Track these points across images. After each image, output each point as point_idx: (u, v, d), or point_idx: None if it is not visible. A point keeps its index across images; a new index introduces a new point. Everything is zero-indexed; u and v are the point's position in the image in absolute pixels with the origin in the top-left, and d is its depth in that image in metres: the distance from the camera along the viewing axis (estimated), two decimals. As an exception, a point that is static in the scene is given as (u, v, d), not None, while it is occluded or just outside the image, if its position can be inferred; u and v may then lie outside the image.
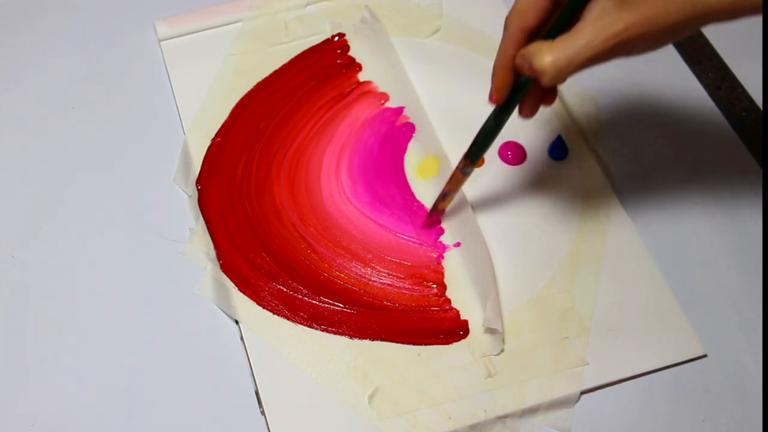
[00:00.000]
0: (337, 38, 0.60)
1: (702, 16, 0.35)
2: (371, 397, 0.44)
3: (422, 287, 0.49)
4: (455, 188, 0.48)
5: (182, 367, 0.46)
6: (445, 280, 0.49)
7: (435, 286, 0.49)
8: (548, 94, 0.42)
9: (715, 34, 0.61)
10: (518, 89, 0.40)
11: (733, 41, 0.60)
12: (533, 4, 0.38)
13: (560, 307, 0.48)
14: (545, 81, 0.37)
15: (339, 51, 0.59)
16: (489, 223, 0.51)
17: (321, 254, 0.50)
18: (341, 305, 0.48)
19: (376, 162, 0.54)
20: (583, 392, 0.46)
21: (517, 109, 0.42)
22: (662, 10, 0.35)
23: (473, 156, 0.45)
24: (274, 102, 0.56)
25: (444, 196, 0.49)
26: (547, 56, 0.36)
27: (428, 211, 0.51)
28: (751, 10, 0.35)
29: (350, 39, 0.60)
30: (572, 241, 0.51)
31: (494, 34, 0.40)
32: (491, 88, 0.41)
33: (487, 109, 0.56)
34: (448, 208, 0.51)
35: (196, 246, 0.50)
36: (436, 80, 0.57)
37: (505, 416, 0.44)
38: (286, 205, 0.52)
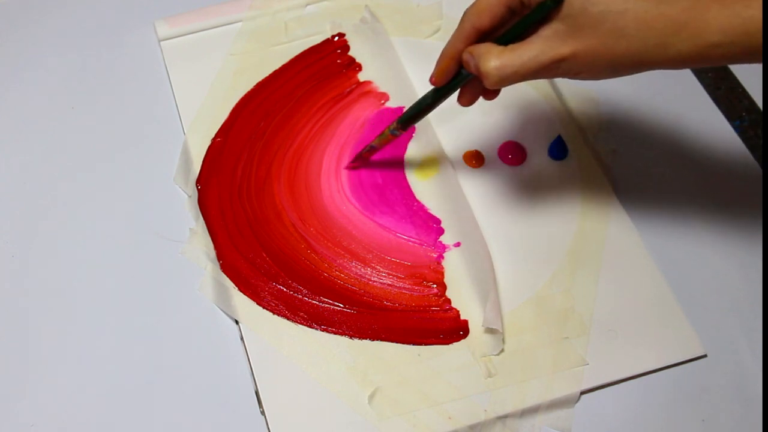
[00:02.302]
0: (337, 38, 0.60)
1: (640, 63, 0.37)
2: (371, 397, 0.44)
3: (422, 287, 0.49)
4: (380, 144, 0.51)
5: (182, 367, 0.46)
6: (445, 280, 0.49)
7: (435, 286, 0.49)
8: (490, 91, 0.44)
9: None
10: (458, 79, 0.43)
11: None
12: (490, 8, 0.40)
13: (560, 307, 0.48)
14: (487, 84, 0.39)
15: (339, 51, 0.59)
16: (489, 223, 0.51)
17: (321, 254, 0.50)
18: (341, 305, 0.48)
19: (377, 162, 0.54)
20: (583, 392, 0.46)
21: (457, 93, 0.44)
22: (607, 48, 0.37)
23: (402, 122, 0.48)
24: (274, 102, 0.56)
25: (371, 148, 0.51)
26: (494, 60, 0.38)
27: (356, 157, 0.53)
28: (685, 65, 0.37)
29: (350, 39, 0.60)
30: (572, 242, 0.51)
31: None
32: (434, 70, 0.43)
33: (487, 110, 0.57)
34: (448, 208, 0.51)
35: (196, 246, 0.50)
36: (436, 80, 0.57)
37: (505, 416, 0.44)
38: (286, 205, 0.52)
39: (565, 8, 0.37)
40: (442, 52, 0.43)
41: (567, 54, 0.37)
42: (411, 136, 0.55)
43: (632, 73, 0.39)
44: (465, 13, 0.41)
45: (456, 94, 0.45)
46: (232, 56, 0.58)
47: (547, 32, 0.38)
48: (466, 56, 0.41)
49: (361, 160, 0.53)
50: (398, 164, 0.54)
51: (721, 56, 0.36)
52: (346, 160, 0.54)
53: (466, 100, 0.44)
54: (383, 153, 0.54)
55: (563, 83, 0.58)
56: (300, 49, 0.59)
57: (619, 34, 0.36)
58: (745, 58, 0.36)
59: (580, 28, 0.37)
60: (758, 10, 0.34)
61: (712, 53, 0.36)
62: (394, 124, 0.48)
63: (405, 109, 0.48)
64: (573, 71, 0.38)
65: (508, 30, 0.40)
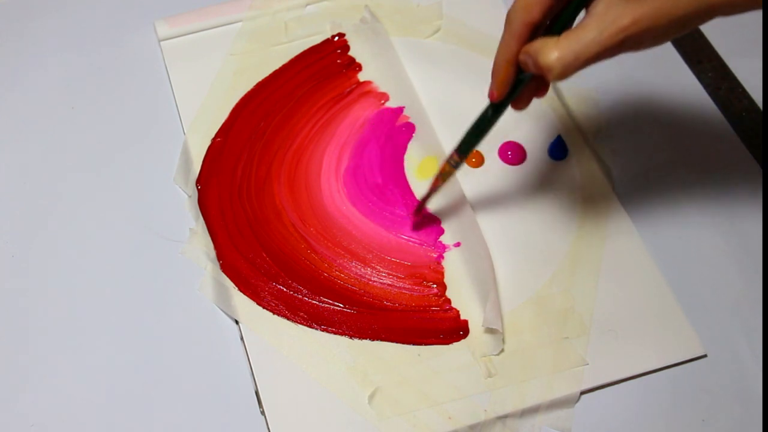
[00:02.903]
0: (337, 38, 0.60)
1: (709, 8, 0.35)
2: (371, 397, 0.44)
3: (422, 287, 0.49)
4: (443, 183, 0.47)
5: (182, 367, 0.46)
6: (445, 280, 0.49)
7: (435, 286, 0.49)
8: (542, 87, 0.42)
9: (715, 33, 0.61)
10: (519, 85, 0.40)
11: (733, 41, 0.60)
12: (539, 1, 0.37)
13: (560, 307, 0.48)
14: (551, 77, 0.37)
15: (339, 51, 0.59)
16: (489, 223, 0.51)
17: (321, 254, 0.50)
18: (341, 305, 0.48)
19: (376, 162, 0.54)
20: (583, 392, 0.46)
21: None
22: (670, 3, 0.35)
23: (465, 149, 0.44)
24: (274, 102, 0.56)
25: (433, 192, 0.48)
26: (553, 53, 0.36)
27: (415, 208, 0.51)
28: (753, 4, 0.35)
29: (350, 39, 0.60)
30: (572, 241, 0.51)
31: (494, 33, 0.40)
32: (492, 84, 0.40)
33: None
34: (448, 208, 0.51)
35: (196, 246, 0.50)
36: (436, 80, 0.57)
37: (505, 416, 0.44)
38: (286, 205, 0.52)
39: None
40: (497, 61, 0.39)
41: (627, 23, 0.35)
42: (411, 136, 0.55)
43: (698, 25, 0.36)
44: (510, 14, 0.38)
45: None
46: (232, 56, 0.58)
47: (599, 8, 0.36)
48: (522, 57, 0.38)
49: (423, 210, 0.50)
50: (398, 164, 0.54)
51: None
52: (346, 161, 0.54)
53: (524, 103, 0.42)
54: (383, 153, 0.54)
55: (564, 83, 0.58)
56: (300, 49, 0.59)
57: None
58: None
59: None
60: None
61: None
62: (454, 155, 0.45)
63: (462, 137, 0.44)
64: (637, 42, 0.36)
65: (557, 18, 0.38)
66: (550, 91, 0.57)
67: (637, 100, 0.58)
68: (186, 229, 0.51)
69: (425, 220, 0.51)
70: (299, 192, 0.52)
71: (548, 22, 0.38)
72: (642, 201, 0.53)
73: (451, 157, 0.45)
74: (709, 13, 0.35)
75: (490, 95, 0.41)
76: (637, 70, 0.59)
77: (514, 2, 0.38)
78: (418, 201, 0.52)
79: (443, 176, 0.47)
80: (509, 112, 0.57)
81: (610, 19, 0.35)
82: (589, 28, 0.35)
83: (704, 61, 0.60)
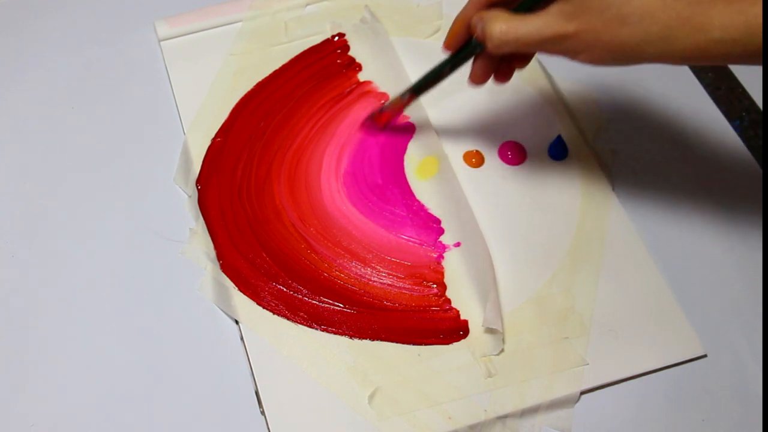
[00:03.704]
0: (337, 38, 0.60)
1: (641, 55, 0.38)
2: (371, 397, 0.44)
3: (422, 287, 0.49)
4: (391, 108, 0.53)
5: (182, 367, 0.46)
6: (445, 280, 0.49)
7: (435, 286, 0.49)
8: (503, 72, 0.45)
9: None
10: (469, 49, 0.44)
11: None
12: None
13: (560, 307, 0.48)
14: (489, 46, 0.40)
15: (339, 51, 0.59)
16: (489, 223, 0.51)
17: (321, 254, 0.50)
18: (341, 305, 0.48)
19: (376, 162, 0.54)
20: (583, 392, 0.46)
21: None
22: (610, 33, 0.37)
23: (414, 89, 0.50)
24: (274, 102, 0.56)
25: (381, 110, 0.53)
26: (500, 24, 0.40)
27: (368, 117, 0.55)
28: (690, 61, 0.37)
29: (350, 39, 0.60)
30: (572, 241, 0.51)
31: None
32: (447, 34, 0.45)
33: (488, 112, 0.57)
34: (448, 208, 0.51)
35: (196, 246, 0.50)
36: (436, 80, 0.57)
37: (505, 416, 0.44)
38: (286, 205, 0.52)
39: None
40: (455, 18, 0.44)
41: (570, 32, 0.38)
42: (411, 136, 0.55)
43: (631, 64, 0.39)
44: None
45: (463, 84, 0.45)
46: (232, 56, 0.58)
47: (555, 9, 0.38)
48: (474, 19, 0.42)
49: (372, 122, 0.54)
50: (398, 164, 0.54)
51: (722, 54, 0.36)
52: (346, 161, 0.54)
53: (476, 77, 0.45)
54: (383, 153, 0.54)
55: (564, 83, 0.58)
56: (300, 49, 0.59)
57: (623, 21, 0.36)
58: (745, 58, 0.36)
59: (587, 10, 0.37)
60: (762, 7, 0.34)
61: (713, 50, 0.36)
62: (408, 92, 0.50)
63: (418, 79, 0.49)
64: (574, 50, 0.39)
65: (520, 3, 0.41)
66: (551, 91, 0.57)
67: (637, 100, 0.58)
68: (186, 229, 0.51)
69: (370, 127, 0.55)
70: (299, 192, 0.52)
71: (514, 4, 0.41)
72: (642, 201, 0.53)
73: (404, 91, 0.51)
74: (640, 57, 0.38)
75: (443, 45, 0.46)
76: (637, 70, 0.58)
77: None
78: (417, 201, 0.52)
79: (391, 102, 0.52)
80: (509, 113, 0.57)
81: (557, 20, 0.38)
82: (537, 19, 0.39)
83: (704, 61, 0.60)
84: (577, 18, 0.38)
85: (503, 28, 0.39)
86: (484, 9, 0.42)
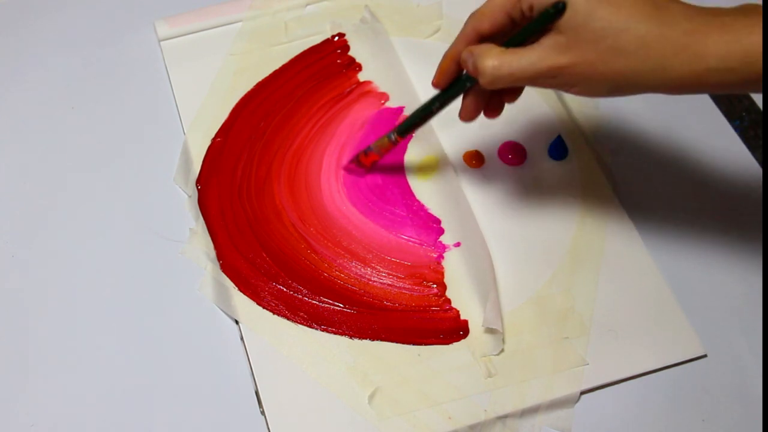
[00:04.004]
0: (337, 38, 0.60)
1: (638, 85, 0.37)
2: (371, 397, 0.44)
3: (422, 287, 0.49)
4: (378, 150, 0.51)
5: (182, 367, 0.46)
6: (445, 280, 0.49)
7: (435, 286, 0.49)
8: (493, 108, 0.44)
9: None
10: (459, 85, 0.43)
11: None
12: (491, 13, 0.40)
13: (560, 307, 0.48)
14: (482, 81, 0.40)
15: (339, 51, 0.59)
16: (489, 223, 0.51)
17: (321, 254, 0.50)
18: (341, 305, 0.48)
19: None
20: (583, 392, 0.46)
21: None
22: (605, 64, 0.37)
23: (401, 129, 0.48)
24: (274, 102, 0.56)
25: (366, 151, 0.51)
26: (492, 60, 0.39)
27: (354, 159, 0.53)
28: (687, 90, 0.37)
29: (350, 39, 0.60)
30: (572, 241, 0.51)
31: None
32: (435, 72, 0.44)
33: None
34: (448, 208, 0.51)
35: (196, 246, 0.50)
36: (436, 80, 0.57)
37: (505, 416, 0.44)
38: (286, 205, 0.52)
39: (568, 20, 0.37)
40: (444, 54, 0.43)
41: (564, 64, 0.37)
42: (411, 137, 0.55)
43: (628, 94, 0.38)
44: (469, 17, 0.42)
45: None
46: (232, 56, 0.58)
47: (548, 41, 0.38)
48: (465, 54, 0.41)
49: (358, 164, 0.52)
50: (398, 164, 0.54)
51: (718, 83, 0.35)
52: (346, 161, 0.54)
53: (466, 114, 0.44)
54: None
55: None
56: (300, 49, 0.59)
57: (618, 52, 0.36)
58: (742, 86, 0.36)
59: (581, 41, 0.37)
60: (760, 36, 0.34)
61: (710, 79, 0.35)
62: (394, 131, 0.49)
63: (406, 119, 0.48)
64: (569, 83, 0.38)
65: (511, 37, 0.40)
66: (551, 91, 0.57)
67: (637, 100, 0.57)
68: (186, 229, 0.51)
69: (352, 171, 0.53)
70: (299, 192, 0.52)
71: (501, 40, 0.41)
72: (642, 201, 0.53)
73: (391, 132, 0.49)
74: (637, 88, 0.38)
75: (432, 82, 0.44)
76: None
77: (477, 9, 0.41)
78: (417, 201, 0.52)
79: (378, 143, 0.50)
80: (509, 113, 0.57)
81: (551, 53, 0.38)
82: (530, 53, 0.38)
83: (704, 61, 0.60)
84: (570, 50, 0.37)
85: (495, 63, 0.39)
86: (474, 44, 0.41)
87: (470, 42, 0.41)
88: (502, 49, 0.39)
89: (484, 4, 0.41)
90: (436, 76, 0.44)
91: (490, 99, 0.44)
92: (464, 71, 0.42)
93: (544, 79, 0.38)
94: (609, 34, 0.36)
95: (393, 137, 0.49)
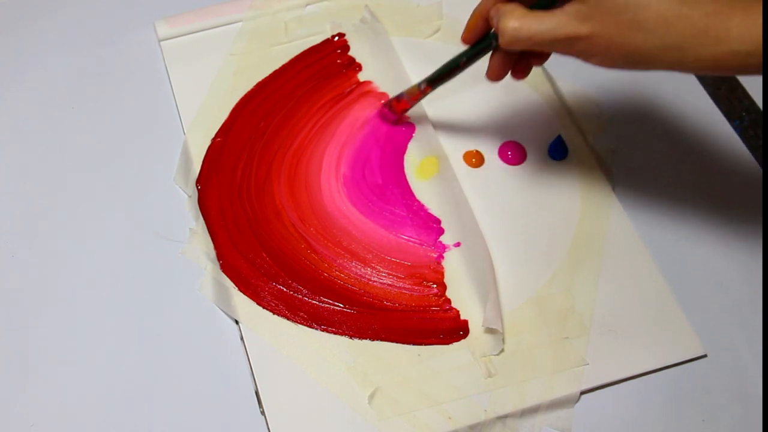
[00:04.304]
0: (337, 38, 0.60)
1: (655, 62, 0.37)
2: (371, 397, 0.44)
3: (422, 287, 0.49)
4: (408, 97, 0.52)
5: (182, 367, 0.46)
6: (445, 280, 0.49)
7: (435, 286, 0.49)
8: (521, 68, 0.45)
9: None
10: (487, 42, 0.44)
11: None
12: None
13: (560, 307, 0.48)
14: (501, 41, 0.40)
15: (339, 51, 0.59)
16: (489, 223, 0.51)
17: (321, 254, 0.50)
18: (341, 305, 0.48)
19: (376, 162, 0.54)
20: (583, 392, 0.46)
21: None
22: (624, 38, 0.37)
23: (430, 79, 0.49)
24: (274, 102, 0.56)
25: (398, 98, 0.53)
26: (514, 20, 0.39)
27: (386, 103, 0.54)
28: (705, 71, 0.37)
29: (350, 39, 0.60)
30: (572, 241, 0.51)
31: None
32: (465, 27, 0.44)
33: (488, 112, 0.57)
34: (448, 208, 0.51)
35: (196, 246, 0.50)
36: (436, 80, 0.57)
37: (505, 416, 0.44)
38: (286, 205, 0.52)
39: None
40: (474, 10, 0.43)
41: (584, 34, 0.37)
42: (411, 136, 0.55)
43: (644, 69, 0.38)
44: None
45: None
46: (232, 56, 0.58)
47: (571, 9, 0.38)
48: (492, 12, 0.41)
49: (390, 109, 0.54)
50: (398, 164, 0.54)
51: (737, 66, 0.35)
52: (346, 161, 0.54)
53: (494, 72, 0.44)
54: (383, 153, 0.54)
55: (564, 83, 0.58)
56: (300, 49, 0.59)
57: (638, 27, 0.36)
58: (760, 70, 0.35)
59: (602, 12, 0.37)
60: None
61: (728, 62, 0.35)
62: (423, 81, 0.50)
63: (436, 71, 0.49)
64: (587, 53, 0.38)
65: (537, 1, 0.40)
66: (551, 91, 0.57)
67: (637, 100, 0.58)
68: (186, 229, 0.51)
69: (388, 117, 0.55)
70: (299, 192, 0.52)
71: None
72: (642, 201, 0.53)
73: (420, 81, 0.50)
74: (653, 64, 0.38)
75: (462, 37, 0.45)
76: (637, 70, 0.59)
77: None
78: (417, 201, 0.52)
79: (408, 90, 0.52)
80: (509, 113, 0.57)
81: (572, 21, 0.38)
82: (552, 18, 0.38)
83: (704, 61, 0.60)
84: (591, 20, 0.37)
85: (516, 24, 0.39)
86: (503, 2, 0.41)
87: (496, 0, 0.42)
88: (526, 11, 0.39)
89: None
90: (465, 31, 0.44)
91: (518, 60, 0.44)
92: (492, 29, 0.43)
93: (562, 45, 0.39)
94: (630, 8, 0.36)
95: (422, 86, 0.50)
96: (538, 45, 0.39)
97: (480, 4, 0.43)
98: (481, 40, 0.44)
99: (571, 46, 0.38)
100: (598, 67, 0.39)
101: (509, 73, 0.45)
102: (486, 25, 0.43)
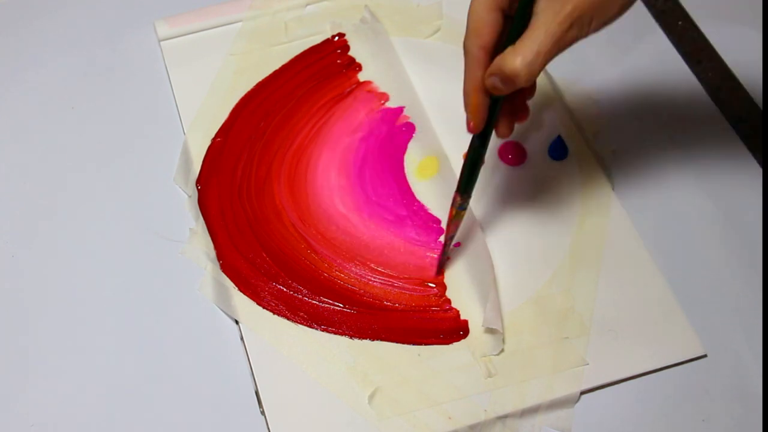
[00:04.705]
0: (337, 38, 0.60)
1: None
2: (371, 397, 0.44)
3: (422, 287, 0.49)
4: (456, 228, 0.47)
5: (182, 367, 0.46)
6: (445, 280, 0.49)
7: (435, 286, 0.49)
8: (521, 112, 0.43)
9: (715, 33, 0.61)
10: (493, 110, 0.41)
11: (733, 41, 0.60)
12: (487, 22, 0.39)
13: (560, 307, 0.48)
14: (520, 81, 0.38)
15: (339, 51, 0.59)
16: (489, 223, 0.51)
17: (321, 254, 0.50)
18: (341, 305, 0.48)
19: (376, 162, 0.54)
20: (583, 392, 0.46)
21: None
22: None
23: (465, 188, 0.45)
24: (274, 102, 0.56)
25: (449, 241, 0.48)
26: (516, 58, 0.37)
27: (438, 260, 0.49)
28: None
29: (350, 39, 0.60)
30: (572, 241, 0.51)
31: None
32: (467, 115, 0.41)
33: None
34: (448, 207, 0.51)
35: (196, 246, 0.50)
36: (436, 80, 0.57)
37: (505, 416, 0.44)
38: (286, 205, 0.52)
39: None
40: (465, 91, 0.41)
41: (570, 9, 0.37)
42: (411, 136, 0.55)
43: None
44: (465, 42, 0.40)
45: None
46: (232, 56, 0.58)
47: (540, 6, 0.37)
48: (488, 78, 0.39)
49: (445, 259, 0.49)
50: (398, 164, 0.54)
51: None
52: (345, 161, 0.54)
53: (505, 129, 0.43)
54: (383, 153, 0.54)
55: (564, 83, 0.58)
56: (300, 49, 0.59)
57: None
58: None
59: None
60: None
61: None
62: (459, 198, 0.45)
63: (459, 178, 0.45)
64: (587, 21, 0.38)
65: (509, 32, 0.39)
66: (551, 91, 0.57)
67: (637, 100, 0.58)
68: (186, 229, 0.51)
69: (443, 261, 0.49)
70: (299, 192, 0.52)
71: (502, 42, 0.39)
72: (642, 201, 0.53)
73: (454, 199, 0.45)
74: None
75: (468, 127, 0.42)
76: (638, 70, 0.59)
77: (466, 32, 0.40)
78: (417, 201, 0.52)
79: (454, 220, 0.46)
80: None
81: (553, 11, 0.37)
82: (537, 26, 0.37)
83: (704, 61, 0.60)
84: None
85: (520, 57, 0.37)
86: (486, 65, 0.40)
87: (483, 63, 0.40)
88: (512, 47, 0.38)
89: (470, 20, 0.40)
90: (474, 118, 0.41)
91: (514, 104, 0.43)
92: (491, 96, 0.41)
93: (565, 36, 0.38)
94: None
95: (465, 204, 0.45)
96: (549, 54, 0.38)
97: (469, 83, 0.41)
98: (489, 113, 0.41)
99: (571, 30, 0.37)
100: (602, 28, 0.39)
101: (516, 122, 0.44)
102: (486, 96, 0.41)
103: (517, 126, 0.55)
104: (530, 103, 0.44)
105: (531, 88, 0.43)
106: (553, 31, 0.37)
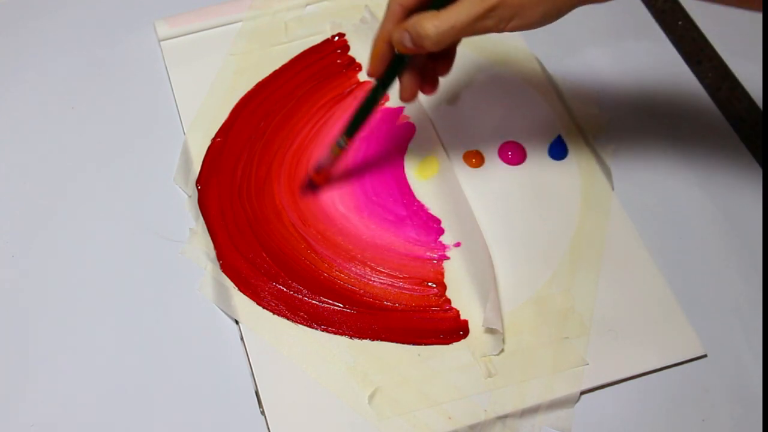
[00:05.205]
0: (337, 38, 0.60)
1: (570, 3, 0.39)
2: (371, 397, 0.44)
3: (422, 287, 0.49)
4: (331, 162, 0.50)
5: (182, 367, 0.46)
6: (445, 280, 0.49)
7: (435, 286, 0.49)
8: (429, 83, 0.45)
9: (715, 33, 0.61)
10: (395, 66, 0.43)
11: (733, 41, 0.60)
12: None
13: (560, 307, 0.48)
14: (428, 44, 0.40)
15: (339, 51, 0.59)
16: (489, 223, 0.51)
17: (321, 254, 0.50)
18: (341, 305, 0.48)
19: (376, 162, 0.54)
20: (583, 392, 0.46)
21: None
22: None
23: (349, 130, 0.47)
24: (274, 102, 0.56)
25: (318, 169, 0.51)
26: (431, 22, 0.39)
27: (306, 184, 0.52)
28: None
29: (350, 39, 0.60)
30: (572, 241, 0.51)
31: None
32: (369, 61, 0.44)
33: (488, 112, 0.57)
34: (448, 208, 0.51)
35: (196, 246, 0.50)
36: (436, 80, 0.57)
37: (505, 416, 0.44)
38: (286, 205, 0.52)
39: None
40: (374, 41, 0.43)
41: (497, 1, 0.38)
42: (411, 136, 0.55)
43: (561, 15, 0.39)
44: None
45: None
46: (232, 56, 0.58)
47: None
48: (397, 33, 0.41)
49: (312, 187, 0.52)
50: (398, 164, 0.54)
51: None
52: (345, 161, 0.54)
53: (407, 93, 0.45)
54: (383, 153, 0.54)
55: (564, 83, 0.58)
56: (300, 49, 0.59)
57: None
58: None
59: None
60: None
61: None
62: (342, 137, 0.48)
63: (350, 119, 0.47)
64: (506, 18, 0.39)
65: (432, 2, 0.40)
66: (551, 91, 0.57)
67: (637, 100, 0.58)
68: (186, 229, 0.51)
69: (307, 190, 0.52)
70: (299, 192, 0.52)
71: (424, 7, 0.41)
72: (642, 201, 0.53)
73: (340, 138, 0.48)
74: (571, 4, 0.39)
75: (367, 71, 0.45)
76: (638, 71, 0.59)
77: None
78: (417, 201, 0.52)
79: (329, 154, 0.49)
80: (509, 113, 0.57)
81: None
82: (464, 4, 0.39)
83: (704, 61, 0.60)
84: None
85: (436, 23, 0.39)
86: (401, 20, 0.41)
87: (397, 19, 0.42)
88: (435, 11, 0.40)
89: None
90: (372, 65, 0.44)
91: (424, 74, 0.45)
92: (397, 52, 0.43)
93: (482, 21, 0.39)
94: None
95: (343, 143, 0.48)
96: (462, 32, 0.39)
97: (380, 32, 0.43)
98: (390, 66, 0.44)
99: (490, 18, 0.39)
100: (516, 31, 0.40)
101: (420, 91, 0.45)
102: (391, 49, 0.43)
103: (517, 126, 0.56)
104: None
105: (445, 65, 0.45)
106: (475, 12, 0.39)
